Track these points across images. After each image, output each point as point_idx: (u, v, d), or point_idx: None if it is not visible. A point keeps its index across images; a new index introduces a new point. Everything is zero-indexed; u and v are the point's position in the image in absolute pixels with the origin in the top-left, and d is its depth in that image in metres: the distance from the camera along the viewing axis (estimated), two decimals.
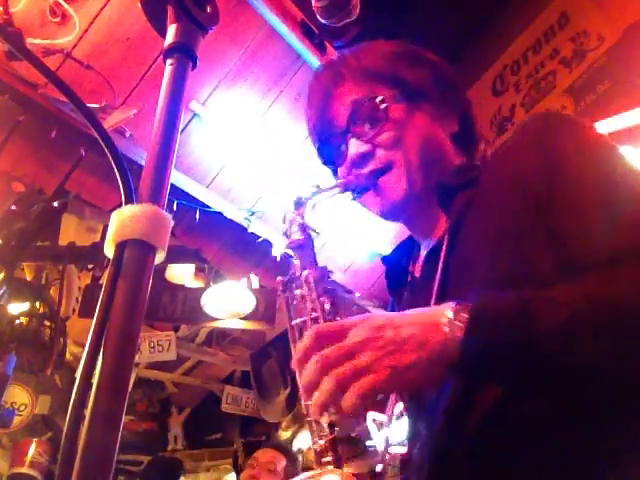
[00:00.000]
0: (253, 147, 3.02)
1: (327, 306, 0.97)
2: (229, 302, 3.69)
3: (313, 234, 1.07)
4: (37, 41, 2.32)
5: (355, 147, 1.11)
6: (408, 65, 1.13)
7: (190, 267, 3.74)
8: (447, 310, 0.76)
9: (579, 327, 0.69)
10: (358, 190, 1.12)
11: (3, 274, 3.48)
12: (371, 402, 0.78)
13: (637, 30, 2.98)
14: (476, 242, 0.96)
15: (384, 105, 1.09)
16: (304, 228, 1.06)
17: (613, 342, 0.69)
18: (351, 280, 3.90)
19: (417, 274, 1.14)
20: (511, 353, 0.71)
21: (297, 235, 1.05)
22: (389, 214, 1.14)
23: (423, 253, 1.14)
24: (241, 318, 3.86)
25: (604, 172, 0.87)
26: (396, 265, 1.20)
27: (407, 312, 0.83)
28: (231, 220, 3.15)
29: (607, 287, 0.73)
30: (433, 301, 1.03)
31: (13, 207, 3.24)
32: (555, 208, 0.86)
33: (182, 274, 3.78)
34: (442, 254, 1.02)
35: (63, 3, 2.30)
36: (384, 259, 1.23)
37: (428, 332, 0.76)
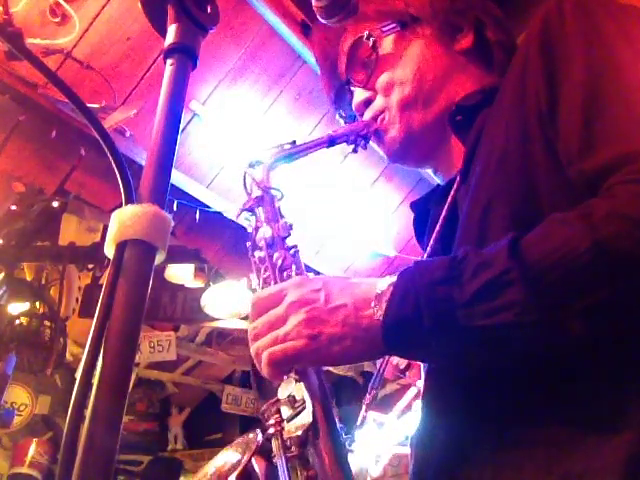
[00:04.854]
0: (253, 147, 3.02)
1: (279, 262, 0.91)
2: (229, 302, 3.69)
3: (276, 192, 1.00)
4: (37, 41, 2.31)
5: (356, 95, 1.06)
6: None
7: (190, 267, 3.74)
8: (378, 285, 0.72)
9: (502, 291, 0.63)
10: (351, 141, 1.04)
11: (3, 274, 3.48)
12: (286, 369, 0.78)
13: None
14: (481, 172, 0.84)
15: (372, 40, 1.01)
16: (262, 186, 1.00)
17: (544, 310, 0.62)
18: None
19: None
20: (431, 329, 0.67)
21: (256, 193, 1.00)
22: (395, 159, 1.06)
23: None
24: (241, 318, 3.86)
25: (607, 69, 0.73)
26: (422, 211, 1.07)
27: (347, 279, 0.80)
28: (231, 220, 3.15)
29: (542, 240, 0.65)
30: (426, 253, 0.97)
31: (13, 207, 3.24)
32: (554, 119, 0.74)
33: (182, 274, 3.78)
34: (451, 193, 0.94)
35: (63, 3, 2.30)
36: (412, 204, 1.11)
37: (358, 306, 0.73)
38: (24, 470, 4.30)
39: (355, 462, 3.38)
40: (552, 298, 0.62)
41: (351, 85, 1.07)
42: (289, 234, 0.95)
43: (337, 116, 1.17)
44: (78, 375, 0.54)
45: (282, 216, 0.98)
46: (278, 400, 0.80)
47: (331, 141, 1.04)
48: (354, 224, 3.57)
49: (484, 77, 1.00)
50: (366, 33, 1.02)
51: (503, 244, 0.66)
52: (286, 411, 0.79)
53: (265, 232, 0.95)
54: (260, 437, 0.85)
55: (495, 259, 0.66)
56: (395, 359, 4.02)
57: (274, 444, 0.80)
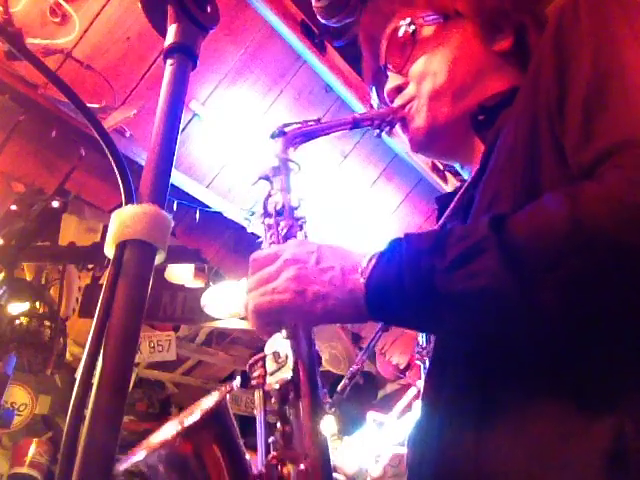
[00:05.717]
0: (253, 147, 3.02)
1: (286, 230, 0.94)
2: (229, 302, 3.69)
3: (293, 166, 1.02)
4: (37, 41, 2.31)
5: (390, 81, 1.06)
6: None
7: (190, 267, 3.74)
8: (368, 253, 0.76)
9: (477, 256, 0.65)
10: (375, 125, 1.05)
11: (3, 274, 3.48)
12: (270, 321, 0.81)
13: None
14: (490, 170, 0.86)
15: (412, 27, 1.02)
16: (281, 157, 1.02)
17: (516, 278, 0.63)
18: None
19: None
20: (412, 295, 0.69)
21: (273, 162, 1.02)
22: (417, 149, 1.07)
23: None
24: (241, 318, 3.86)
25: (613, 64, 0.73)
26: (445, 205, 1.07)
27: (342, 247, 0.82)
28: (231, 220, 3.15)
29: (524, 214, 0.67)
30: None
31: (13, 207, 3.24)
32: (562, 117, 0.74)
33: (182, 274, 3.78)
34: (461, 190, 0.96)
35: (63, 3, 2.30)
36: (436, 198, 1.11)
37: (345, 270, 0.76)
38: (24, 470, 4.30)
39: (355, 462, 3.38)
40: (525, 267, 0.63)
41: (387, 69, 1.07)
42: (299, 205, 0.98)
43: (373, 97, 1.17)
44: (78, 375, 0.54)
45: (295, 188, 1.01)
46: (265, 355, 0.83)
47: (355, 123, 1.06)
48: (354, 224, 3.57)
49: (518, 80, 0.99)
50: (408, 20, 1.03)
51: (485, 218, 0.69)
52: (270, 365, 0.82)
53: (277, 200, 0.97)
54: (236, 383, 0.89)
55: (475, 230, 0.68)
56: (395, 359, 4.02)
57: (256, 395, 0.83)
